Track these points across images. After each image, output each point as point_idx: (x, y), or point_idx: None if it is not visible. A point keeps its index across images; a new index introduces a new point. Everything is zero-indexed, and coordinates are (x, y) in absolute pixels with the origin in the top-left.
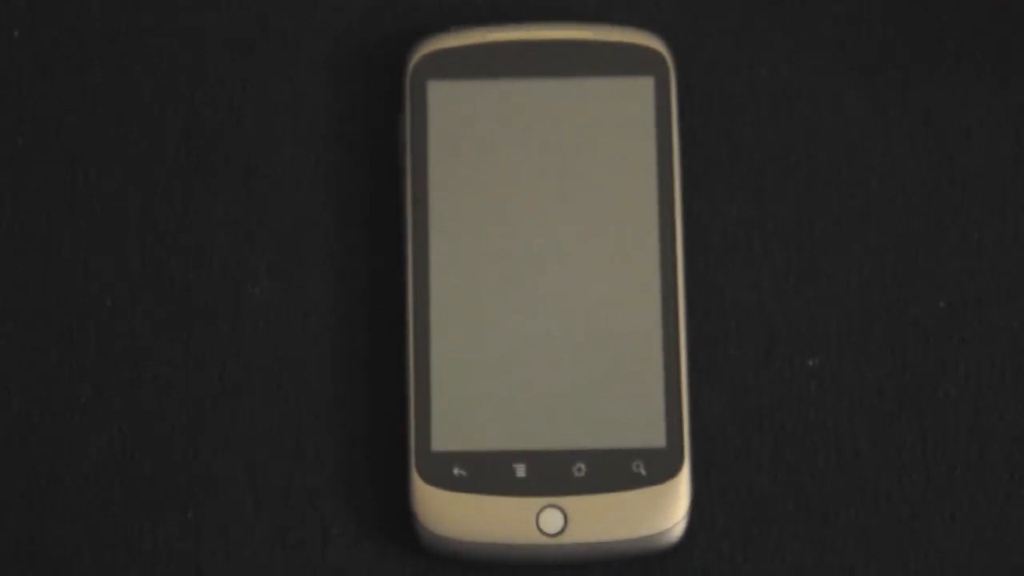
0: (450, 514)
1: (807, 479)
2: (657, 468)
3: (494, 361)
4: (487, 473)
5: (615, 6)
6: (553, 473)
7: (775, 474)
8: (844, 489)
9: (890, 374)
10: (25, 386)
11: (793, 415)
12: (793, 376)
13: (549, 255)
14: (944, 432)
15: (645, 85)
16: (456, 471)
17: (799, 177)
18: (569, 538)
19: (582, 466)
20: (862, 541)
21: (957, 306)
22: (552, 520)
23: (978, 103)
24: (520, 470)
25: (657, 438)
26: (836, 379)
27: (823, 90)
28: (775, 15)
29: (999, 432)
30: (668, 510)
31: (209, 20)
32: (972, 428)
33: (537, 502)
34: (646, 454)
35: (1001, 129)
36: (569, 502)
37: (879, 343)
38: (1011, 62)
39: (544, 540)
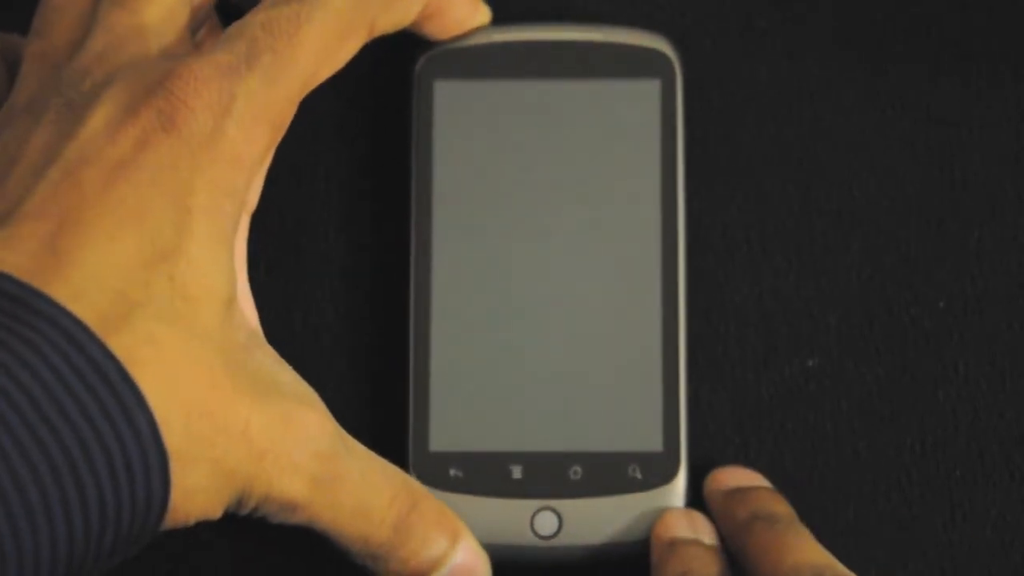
0: None
1: (807, 479)
2: (653, 472)
3: (493, 362)
4: (483, 474)
5: (615, 6)
6: (549, 475)
7: (775, 474)
8: (844, 489)
9: (890, 374)
10: None
11: (793, 415)
12: (793, 376)
13: (551, 257)
14: (944, 432)
15: (651, 88)
16: (452, 472)
17: (799, 177)
18: (563, 541)
19: (578, 469)
20: (862, 541)
21: (957, 306)
22: (547, 522)
23: (978, 103)
24: (516, 472)
25: (654, 442)
26: (836, 379)
27: (823, 90)
28: (775, 15)
29: (999, 432)
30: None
31: None
32: (972, 428)
33: (532, 504)
34: (642, 458)
35: (1001, 129)
36: (564, 505)
37: (879, 343)
38: (1011, 62)
39: (538, 542)
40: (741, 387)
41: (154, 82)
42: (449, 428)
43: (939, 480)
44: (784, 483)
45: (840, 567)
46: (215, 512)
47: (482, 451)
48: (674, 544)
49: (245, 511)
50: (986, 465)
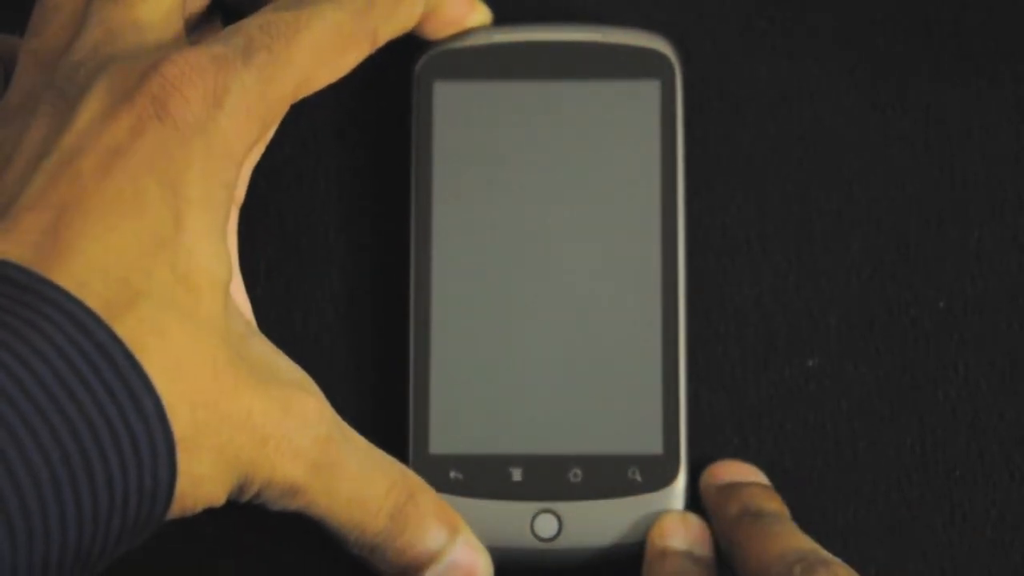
0: None
1: (807, 479)
2: (653, 475)
3: (494, 364)
4: (483, 477)
5: (615, 6)
6: (549, 478)
7: (774, 474)
8: (844, 489)
9: (890, 374)
10: None
11: (793, 415)
12: (793, 376)
13: (551, 258)
14: (944, 432)
15: (651, 88)
16: (452, 474)
17: (799, 177)
18: (563, 543)
19: (578, 471)
20: (862, 541)
21: (957, 306)
22: (547, 525)
23: (978, 103)
24: (516, 474)
25: (654, 445)
26: (836, 379)
27: (823, 90)
28: (775, 15)
29: (999, 432)
30: None
31: None
32: (972, 428)
33: (532, 507)
34: (642, 461)
35: (1001, 129)
36: (564, 507)
37: (879, 343)
38: (1011, 62)
39: (538, 545)
40: (741, 387)
41: (148, 67)
42: (449, 430)
43: (939, 480)
44: (784, 483)
45: (824, 552)
46: (219, 499)
47: (482, 453)
48: (665, 554)
49: (247, 497)
50: (986, 465)
